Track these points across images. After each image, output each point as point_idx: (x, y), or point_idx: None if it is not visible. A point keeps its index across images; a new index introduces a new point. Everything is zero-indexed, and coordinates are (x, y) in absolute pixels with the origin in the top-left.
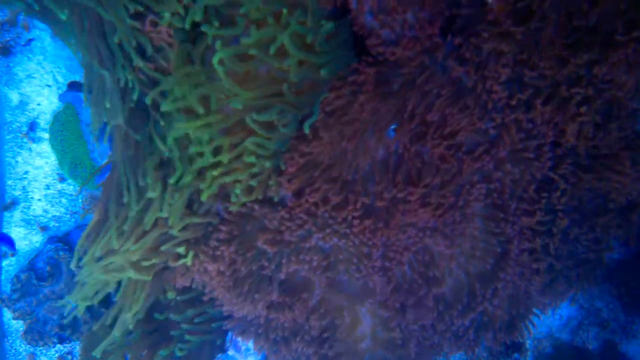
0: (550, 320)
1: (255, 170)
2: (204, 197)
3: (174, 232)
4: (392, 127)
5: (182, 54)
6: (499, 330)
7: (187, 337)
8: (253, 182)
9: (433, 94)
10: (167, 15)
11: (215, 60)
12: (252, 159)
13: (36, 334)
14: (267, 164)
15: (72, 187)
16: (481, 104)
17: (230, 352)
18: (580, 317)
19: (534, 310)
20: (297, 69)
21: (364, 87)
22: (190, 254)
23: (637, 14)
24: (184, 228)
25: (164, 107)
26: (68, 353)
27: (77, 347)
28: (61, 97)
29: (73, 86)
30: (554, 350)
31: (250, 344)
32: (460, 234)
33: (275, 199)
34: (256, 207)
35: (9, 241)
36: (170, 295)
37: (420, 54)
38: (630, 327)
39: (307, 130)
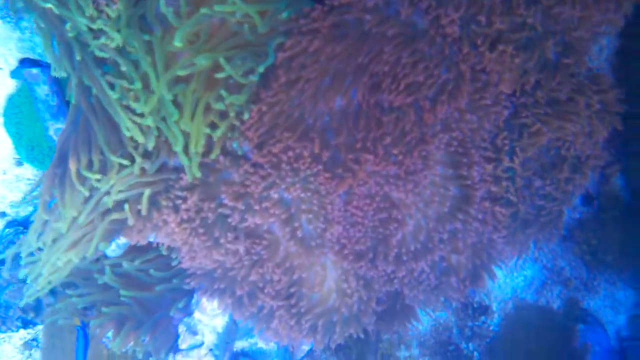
0: (515, 281)
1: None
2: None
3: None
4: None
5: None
6: (463, 280)
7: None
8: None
9: (386, 39)
10: None
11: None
12: (221, 105)
13: None
14: (231, 112)
15: (29, 171)
16: (437, 48)
17: (197, 315)
18: (544, 277)
19: (499, 261)
20: (262, 20)
21: (318, 32)
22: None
23: None
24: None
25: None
26: (33, 340)
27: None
28: (13, 74)
29: (25, 62)
30: (519, 311)
31: (216, 304)
32: (422, 181)
33: (240, 153)
34: (220, 158)
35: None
36: (102, 246)
37: None
38: (592, 283)
39: (260, 70)
